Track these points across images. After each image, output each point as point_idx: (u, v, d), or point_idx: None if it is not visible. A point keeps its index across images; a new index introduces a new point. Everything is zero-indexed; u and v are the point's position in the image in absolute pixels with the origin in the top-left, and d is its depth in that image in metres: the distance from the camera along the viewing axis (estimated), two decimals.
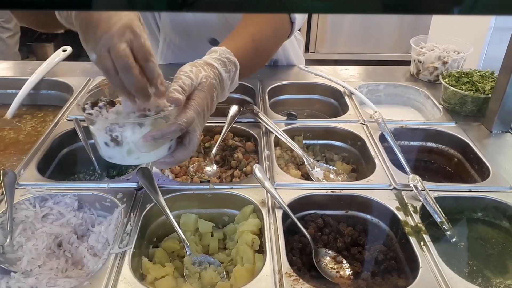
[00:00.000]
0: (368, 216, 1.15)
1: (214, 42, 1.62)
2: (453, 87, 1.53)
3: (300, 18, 1.40)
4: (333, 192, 1.16)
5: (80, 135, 1.36)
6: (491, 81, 1.54)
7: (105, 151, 0.95)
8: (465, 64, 1.75)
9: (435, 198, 1.11)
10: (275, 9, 0.62)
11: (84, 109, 0.94)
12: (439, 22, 2.71)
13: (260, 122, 1.41)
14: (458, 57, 1.73)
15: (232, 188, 1.16)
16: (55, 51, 1.77)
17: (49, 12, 1.04)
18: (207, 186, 1.17)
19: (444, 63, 1.74)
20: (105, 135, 0.91)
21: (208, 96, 1.00)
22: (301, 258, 1.05)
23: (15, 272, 0.96)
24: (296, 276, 0.91)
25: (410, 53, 1.85)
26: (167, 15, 1.65)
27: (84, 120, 1.40)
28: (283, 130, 1.38)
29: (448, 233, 1.07)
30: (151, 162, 1.15)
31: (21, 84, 1.61)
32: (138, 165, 1.20)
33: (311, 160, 1.33)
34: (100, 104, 0.95)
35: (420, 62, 1.79)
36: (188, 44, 1.70)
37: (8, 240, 1.01)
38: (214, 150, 1.33)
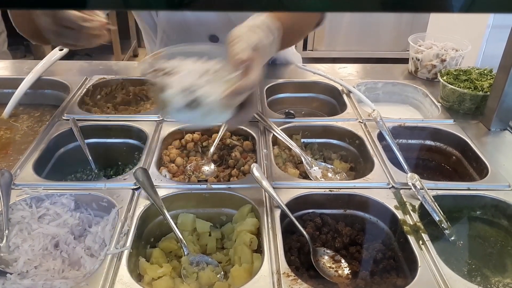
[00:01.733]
0: (367, 215, 1.15)
1: (214, 39, 1.61)
2: (451, 85, 1.53)
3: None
4: (331, 191, 1.15)
5: (77, 135, 1.35)
6: (490, 79, 1.54)
7: (182, 115, 0.94)
8: (463, 62, 1.74)
9: (433, 196, 1.11)
10: (272, 8, 0.62)
11: (155, 74, 0.92)
12: (437, 20, 2.71)
13: (258, 121, 1.41)
14: (457, 55, 1.72)
15: (229, 187, 1.16)
16: (52, 50, 1.76)
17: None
18: (204, 186, 1.17)
19: (442, 61, 1.73)
20: (182, 98, 0.90)
21: (262, 58, 1.02)
22: (299, 258, 1.05)
23: (11, 274, 0.95)
24: (294, 276, 0.91)
25: (408, 51, 1.85)
26: (165, 12, 1.64)
27: (80, 120, 1.40)
28: (281, 129, 1.38)
29: (446, 231, 1.07)
30: (224, 122, 1.15)
31: (17, 83, 1.59)
32: (136, 165, 1.20)
33: (309, 159, 1.32)
34: (165, 70, 0.93)
35: (418, 60, 1.78)
36: (186, 41, 1.69)
37: (4, 241, 1.00)
38: (211, 149, 1.33)
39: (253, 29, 1.03)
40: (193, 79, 0.91)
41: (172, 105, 0.91)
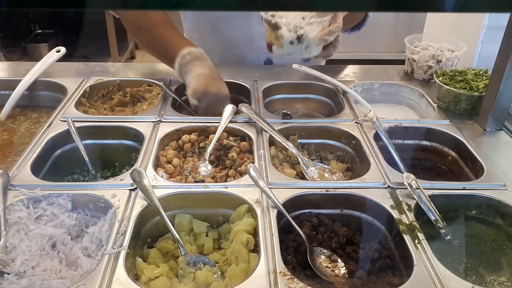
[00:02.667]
0: (363, 215, 1.15)
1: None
2: (447, 85, 1.54)
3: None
4: (327, 191, 1.16)
5: (74, 136, 1.35)
6: (485, 80, 1.55)
7: (288, 49, 1.29)
8: (459, 62, 1.75)
9: (429, 196, 1.11)
10: (270, 8, 0.62)
11: (273, 15, 1.28)
12: (434, 21, 2.72)
13: (255, 122, 1.41)
14: (452, 55, 1.73)
15: (226, 187, 1.16)
16: (49, 51, 1.76)
17: (166, 59, 1.62)
18: (201, 186, 1.17)
19: (438, 61, 1.74)
20: (292, 34, 1.25)
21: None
22: (296, 257, 1.05)
23: (8, 274, 0.95)
24: (290, 275, 0.91)
25: (404, 52, 1.86)
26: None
27: (77, 121, 1.40)
28: (278, 130, 1.38)
29: (442, 231, 1.07)
30: (314, 56, 1.39)
31: (14, 85, 1.59)
32: (133, 166, 1.20)
33: (306, 159, 1.33)
34: (277, 16, 1.28)
35: (414, 60, 1.79)
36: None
37: (1, 241, 1.00)
38: (208, 150, 1.33)
39: None
40: (299, 21, 1.26)
41: (284, 39, 1.27)
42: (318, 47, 1.32)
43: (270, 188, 1.12)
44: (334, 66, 1.96)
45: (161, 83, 1.65)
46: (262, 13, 1.33)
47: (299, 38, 1.26)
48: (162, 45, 1.59)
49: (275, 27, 1.28)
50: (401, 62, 1.92)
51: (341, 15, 1.30)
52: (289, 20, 1.27)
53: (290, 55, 1.32)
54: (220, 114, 1.43)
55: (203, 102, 1.45)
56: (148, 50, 1.68)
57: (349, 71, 1.89)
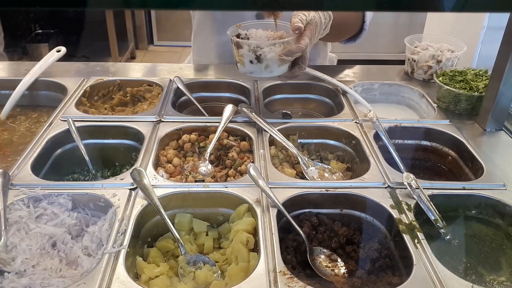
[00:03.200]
0: (363, 215, 1.15)
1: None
2: (447, 85, 1.54)
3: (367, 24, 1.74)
4: (327, 190, 1.16)
5: (74, 136, 1.35)
6: (485, 80, 1.55)
7: (249, 67, 1.35)
8: (458, 63, 1.76)
9: (429, 196, 1.11)
10: (270, 7, 0.62)
11: (238, 36, 1.35)
12: (434, 21, 2.72)
13: (255, 122, 1.41)
14: (452, 56, 1.73)
15: (226, 187, 1.16)
16: (49, 51, 1.76)
17: None
18: (201, 186, 1.17)
19: (438, 62, 1.74)
20: (251, 54, 1.31)
21: (315, 30, 1.35)
22: (296, 257, 1.05)
23: (8, 273, 0.95)
24: (290, 275, 0.91)
25: (404, 52, 1.86)
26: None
27: (77, 121, 1.40)
28: (278, 129, 1.39)
29: (442, 230, 1.07)
30: (278, 76, 1.41)
31: (15, 84, 1.60)
32: (133, 166, 1.21)
33: (306, 159, 1.33)
34: (242, 36, 1.36)
35: (415, 61, 1.79)
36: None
37: (1, 240, 1.00)
38: (209, 149, 1.33)
39: None
40: (260, 41, 1.32)
41: (245, 58, 1.33)
42: (280, 67, 1.35)
43: (270, 187, 1.12)
44: (334, 66, 1.96)
45: (173, 78, 1.66)
46: (228, 32, 1.37)
47: (258, 58, 1.31)
48: None
49: (238, 45, 1.33)
50: (401, 62, 1.92)
51: (306, 37, 1.31)
52: (251, 41, 1.33)
53: (252, 73, 1.37)
54: None
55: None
56: None
57: (349, 71, 1.89)
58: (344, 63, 1.99)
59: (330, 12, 1.42)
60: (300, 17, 1.30)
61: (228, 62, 1.87)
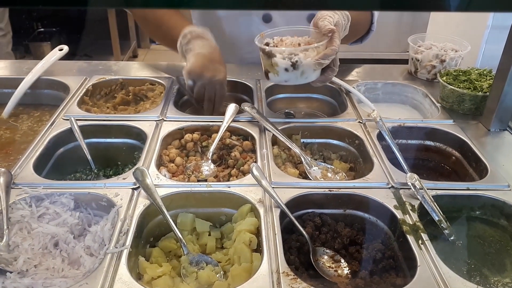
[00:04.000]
0: (366, 215, 1.15)
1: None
2: (451, 85, 1.53)
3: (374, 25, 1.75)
4: (330, 191, 1.15)
5: (76, 135, 1.35)
6: (489, 80, 1.54)
7: (283, 76, 1.32)
8: (462, 62, 1.75)
9: (433, 196, 1.11)
10: (271, 6, 0.62)
11: (267, 45, 1.33)
12: (437, 21, 2.71)
13: (258, 121, 1.41)
14: (456, 55, 1.72)
15: (229, 187, 1.16)
16: (51, 50, 1.76)
17: (172, 44, 1.56)
18: (204, 185, 1.17)
19: (442, 61, 1.73)
20: (287, 62, 1.28)
21: (340, 32, 1.36)
22: (299, 257, 1.05)
23: (11, 272, 0.95)
24: (293, 275, 0.91)
25: (408, 51, 1.85)
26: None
27: (80, 120, 1.40)
28: (280, 129, 1.38)
29: (446, 231, 1.07)
30: (312, 82, 1.41)
31: (17, 83, 1.59)
32: (135, 165, 1.21)
33: (309, 159, 1.32)
34: (271, 44, 1.34)
35: (418, 60, 1.79)
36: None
37: (4, 240, 1.00)
38: (211, 149, 1.33)
39: (334, 11, 1.35)
40: (293, 48, 1.29)
41: (279, 66, 1.30)
42: (315, 72, 1.34)
43: (273, 187, 1.12)
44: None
45: (175, 78, 1.65)
46: (256, 42, 1.35)
47: (294, 65, 1.29)
48: (166, 29, 1.59)
49: (269, 55, 1.31)
50: (404, 61, 1.91)
51: (337, 39, 1.31)
52: (283, 48, 1.31)
53: (287, 81, 1.35)
54: (212, 98, 1.45)
55: (198, 83, 1.45)
56: (154, 36, 1.75)
57: (352, 70, 1.88)
58: (346, 62, 1.98)
59: (348, 14, 1.41)
60: (328, 19, 1.31)
61: (228, 63, 1.86)
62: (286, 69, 1.30)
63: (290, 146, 1.33)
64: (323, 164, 1.33)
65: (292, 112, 1.50)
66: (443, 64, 1.73)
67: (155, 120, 1.43)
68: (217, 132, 1.37)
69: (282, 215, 1.07)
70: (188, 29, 1.49)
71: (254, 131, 1.39)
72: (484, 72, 1.60)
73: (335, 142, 1.45)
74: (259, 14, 1.73)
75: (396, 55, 4.53)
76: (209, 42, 1.48)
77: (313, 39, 1.35)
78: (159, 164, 1.28)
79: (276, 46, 1.33)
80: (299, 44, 1.33)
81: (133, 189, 1.14)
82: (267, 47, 1.32)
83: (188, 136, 1.39)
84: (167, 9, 1.61)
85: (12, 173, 1.16)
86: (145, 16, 1.67)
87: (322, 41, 1.31)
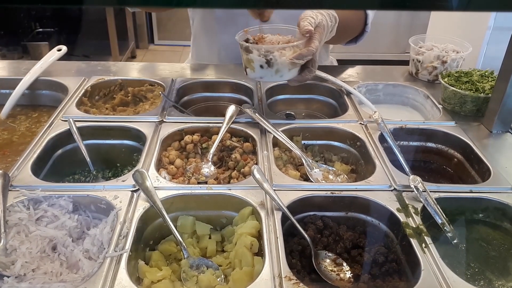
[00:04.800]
0: (369, 218, 1.14)
1: None
2: (452, 86, 1.52)
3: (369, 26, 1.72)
4: (333, 193, 1.14)
5: (75, 136, 1.33)
6: (491, 81, 1.53)
7: (259, 72, 1.33)
8: (464, 63, 1.74)
9: (435, 199, 1.10)
10: (270, 5, 0.61)
11: (247, 41, 1.34)
12: (437, 22, 2.70)
13: (258, 123, 1.39)
14: (457, 56, 1.71)
15: (230, 189, 1.14)
16: (50, 50, 1.74)
17: None
18: (204, 188, 1.15)
19: (443, 62, 1.72)
20: (261, 59, 1.30)
21: (323, 33, 1.34)
22: (301, 261, 1.03)
23: (8, 277, 0.93)
24: (296, 280, 0.90)
25: (406, 52, 1.84)
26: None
27: (78, 121, 1.39)
28: (281, 130, 1.37)
29: (449, 234, 1.05)
30: (287, 80, 1.41)
31: (15, 84, 1.58)
32: (134, 167, 1.19)
33: (310, 160, 1.31)
34: (251, 41, 1.35)
35: (419, 61, 1.78)
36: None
37: (1, 243, 0.99)
38: (211, 150, 1.31)
39: (319, 11, 1.34)
40: (270, 46, 1.30)
41: (255, 63, 1.32)
42: (290, 71, 1.33)
43: (274, 190, 1.10)
44: (338, 66, 1.94)
45: (160, 94, 1.60)
46: (237, 37, 1.36)
47: (268, 62, 1.30)
48: None
49: (247, 50, 1.32)
50: (402, 62, 1.90)
51: (316, 40, 1.30)
52: (260, 45, 1.32)
53: (262, 78, 1.35)
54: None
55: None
56: None
57: (353, 71, 1.87)
58: (344, 63, 1.97)
59: (336, 15, 1.40)
60: (309, 20, 1.29)
61: (227, 64, 1.85)
62: (261, 66, 1.31)
63: (291, 148, 1.32)
64: (325, 166, 1.32)
65: (292, 113, 1.49)
66: (444, 65, 1.72)
67: (155, 122, 1.41)
68: (217, 133, 1.36)
69: (284, 218, 1.06)
70: None
71: (254, 133, 1.38)
72: (486, 73, 1.59)
73: (336, 143, 1.44)
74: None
75: (394, 56, 4.53)
76: None
77: (296, 39, 1.34)
78: (159, 166, 1.27)
79: (256, 43, 1.34)
80: (278, 43, 1.33)
81: (132, 191, 1.12)
82: (245, 43, 1.33)
83: (188, 138, 1.37)
84: None
85: (10, 175, 1.15)
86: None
87: (300, 41, 1.31)
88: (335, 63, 2.04)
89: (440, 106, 1.56)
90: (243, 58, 1.36)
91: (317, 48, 1.31)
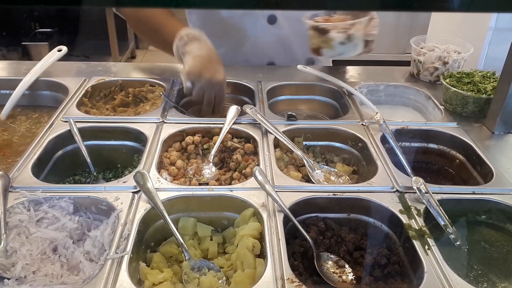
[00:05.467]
0: (371, 219, 1.13)
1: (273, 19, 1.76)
2: (454, 87, 1.52)
3: None
4: (335, 194, 1.13)
5: (75, 137, 1.33)
6: (493, 82, 1.53)
7: (338, 49, 1.42)
8: (465, 64, 1.73)
9: (438, 200, 1.09)
10: (270, 6, 0.60)
11: (317, 21, 1.43)
12: (438, 22, 2.70)
13: (260, 123, 1.39)
14: (459, 57, 1.71)
15: (231, 190, 1.14)
16: (50, 51, 1.74)
17: (167, 47, 1.55)
18: (206, 189, 1.15)
19: (445, 63, 1.72)
20: (342, 35, 1.38)
21: None
22: (303, 263, 1.03)
23: (8, 279, 0.93)
24: (298, 282, 0.89)
25: (407, 53, 1.84)
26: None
27: (79, 122, 1.38)
28: (282, 131, 1.36)
29: (452, 236, 1.05)
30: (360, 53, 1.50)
31: (15, 84, 1.57)
32: (135, 168, 1.19)
33: (312, 161, 1.30)
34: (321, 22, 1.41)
35: (420, 62, 1.77)
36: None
37: (1, 245, 0.98)
38: (212, 151, 1.31)
39: None
40: (348, 22, 1.38)
41: (334, 40, 1.39)
42: (361, 46, 1.45)
43: (276, 191, 1.10)
44: (339, 67, 1.93)
45: (161, 94, 1.59)
46: (307, 20, 1.43)
47: (349, 38, 1.39)
48: (161, 32, 1.56)
49: (323, 31, 1.40)
50: (402, 63, 1.90)
51: (376, 14, 1.42)
52: (334, 25, 1.40)
53: (341, 54, 1.44)
54: (212, 99, 1.45)
55: (197, 85, 1.43)
56: (148, 40, 1.73)
57: (354, 72, 1.87)
58: (343, 63, 1.96)
59: None
60: None
61: (232, 65, 1.84)
62: (342, 42, 1.40)
63: (293, 149, 1.31)
64: (326, 167, 1.32)
65: (294, 114, 1.48)
66: (446, 66, 1.72)
67: (155, 122, 1.41)
68: (218, 134, 1.35)
69: (286, 220, 1.06)
70: (184, 31, 1.46)
71: (256, 134, 1.37)
72: (488, 74, 1.58)
73: (338, 144, 1.43)
74: (265, 15, 1.71)
75: (394, 56, 4.52)
76: (206, 44, 1.46)
77: (352, 17, 1.44)
78: (160, 167, 1.26)
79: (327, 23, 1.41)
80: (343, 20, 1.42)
81: (133, 192, 1.12)
82: (322, 23, 1.40)
83: (189, 139, 1.37)
84: (161, 12, 1.59)
85: (10, 176, 1.14)
86: (138, 20, 1.64)
87: (367, 16, 1.42)
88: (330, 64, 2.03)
89: (441, 107, 1.55)
90: (314, 41, 1.43)
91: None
